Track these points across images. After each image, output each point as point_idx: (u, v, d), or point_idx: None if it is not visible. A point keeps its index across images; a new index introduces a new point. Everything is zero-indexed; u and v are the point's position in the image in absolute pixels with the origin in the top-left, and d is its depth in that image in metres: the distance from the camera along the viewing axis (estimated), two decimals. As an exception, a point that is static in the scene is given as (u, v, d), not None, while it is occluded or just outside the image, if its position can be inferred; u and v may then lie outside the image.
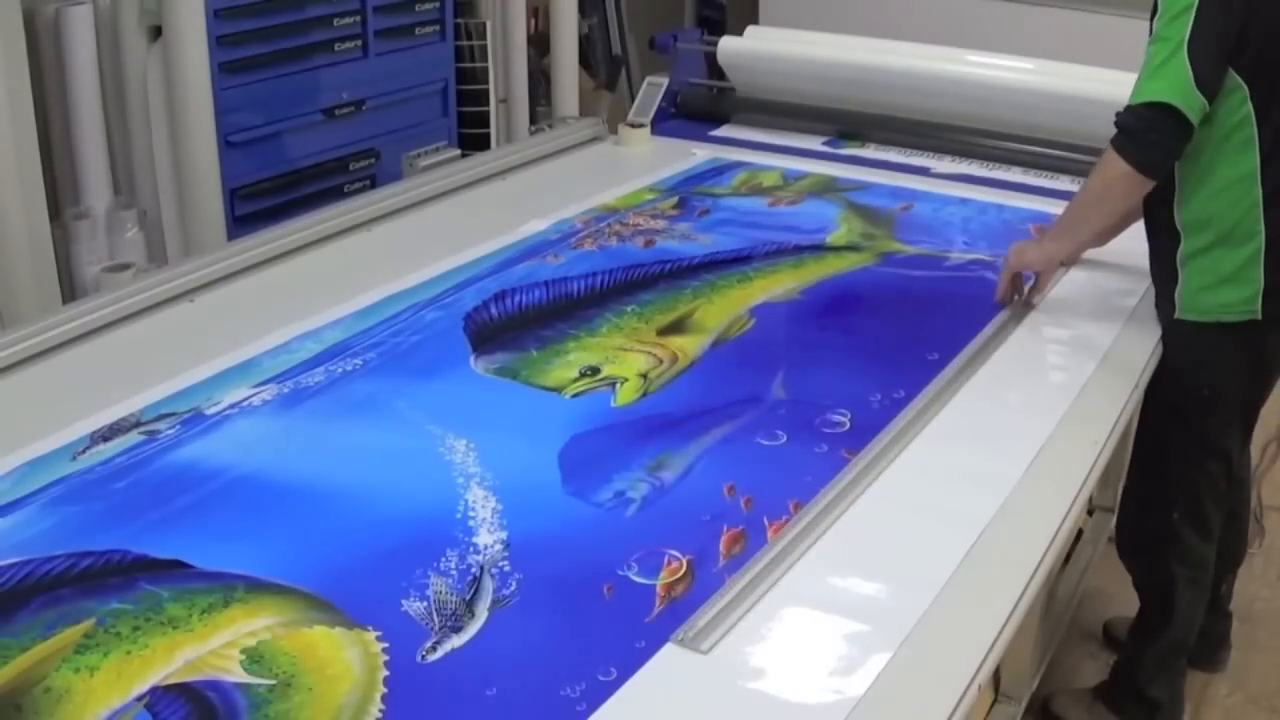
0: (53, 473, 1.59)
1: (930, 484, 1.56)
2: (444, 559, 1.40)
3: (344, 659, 1.25)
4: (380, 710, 1.18)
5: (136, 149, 2.88)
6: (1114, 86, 2.59)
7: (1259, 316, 1.89)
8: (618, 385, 1.81)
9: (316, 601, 1.33)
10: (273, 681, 1.23)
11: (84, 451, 1.64)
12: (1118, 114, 1.83)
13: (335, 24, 3.12)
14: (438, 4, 3.41)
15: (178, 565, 1.40)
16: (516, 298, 2.09)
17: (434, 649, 1.26)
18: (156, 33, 2.76)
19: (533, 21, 4.07)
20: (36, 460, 1.62)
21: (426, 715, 1.18)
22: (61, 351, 1.89)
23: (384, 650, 1.26)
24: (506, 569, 1.38)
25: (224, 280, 2.15)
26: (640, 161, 2.90)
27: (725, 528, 1.44)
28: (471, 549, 1.42)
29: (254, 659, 1.25)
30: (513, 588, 1.36)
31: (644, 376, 1.83)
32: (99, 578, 1.39)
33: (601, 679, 1.21)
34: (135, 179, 2.91)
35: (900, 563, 1.41)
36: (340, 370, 1.85)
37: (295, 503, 1.53)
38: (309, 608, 1.33)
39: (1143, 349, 1.93)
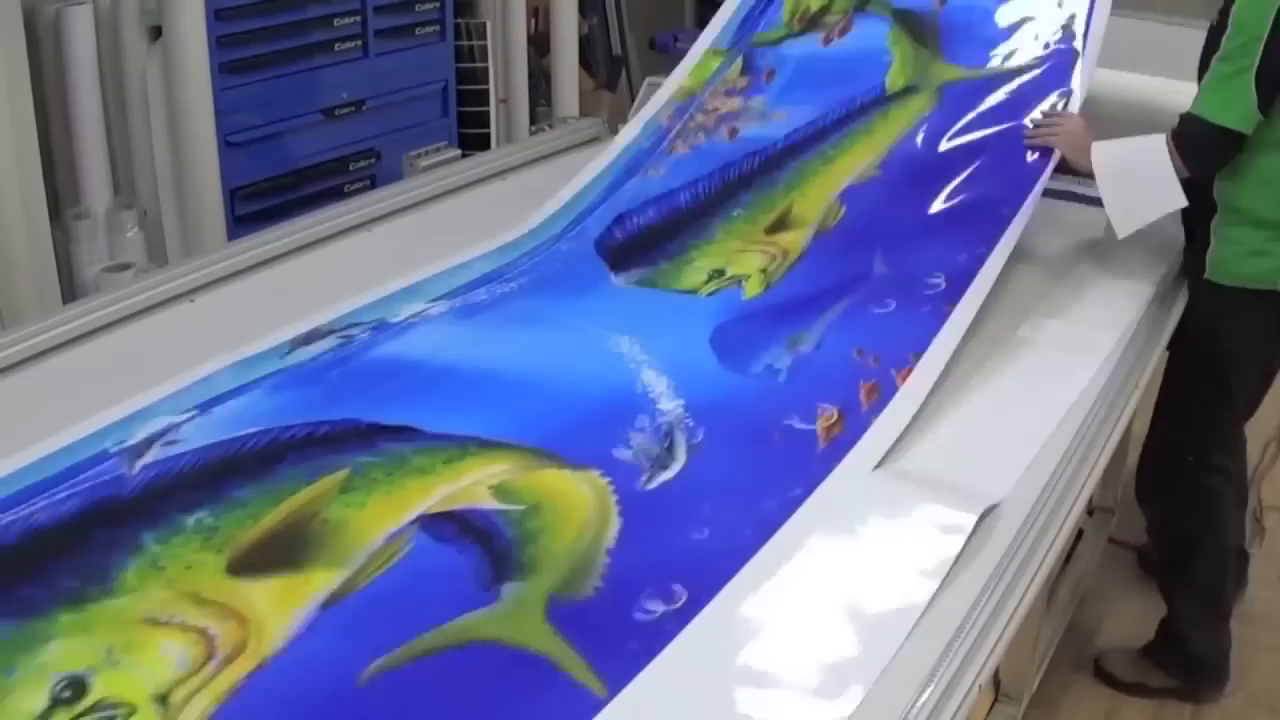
0: (266, 367, 1.78)
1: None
2: (637, 421, 1.65)
3: (578, 490, 1.52)
4: (618, 522, 1.45)
5: (136, 149, 2.89)
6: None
7: (1279, 289, 2.05)
8: (744, 282, 2.03)
9: (541, 453, 1.58)
10: (523, 507, 1.47)
11: (289, 353, 1.82)
12: (1182, 118, 2.01)
13: (335, 24, 3.12)
14: (438, 4, 3.41)
15: (409, 430, 1.61)
16: (634, 219, 2.26)
17: (650, 480, 1.54)
18: (156, 33, 2.77)
19: (533, 21, 4.07)
20: (248, 359, 1.79)
21: (657, 525, 1.45)
22: (61, 352, 1.89)
23: (609, 484, 1.52)
24: (691, 425, 1.65)
25: (224, 280, 2.15)
26: (640, 161, 2.89)
27: (862, 382, 1.71)
28: (659, 413, 1.68)
29: (502, 493, 1.49)
30: (700, 438, 1.62)
31: (764, 271, 2.06)
32: (340, 440, 1.60)
33: (791, 495, 1.48)
34: (135, 179, 2.91)
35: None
36: (499, 292, 2.06)
37: (496, 386, 1.75)
38: (536, 457, 1.57)
39: (1145, 354, 1.94)
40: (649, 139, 2.49)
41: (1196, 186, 2.04)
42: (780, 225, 2.18)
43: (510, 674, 1.26)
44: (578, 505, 1.48)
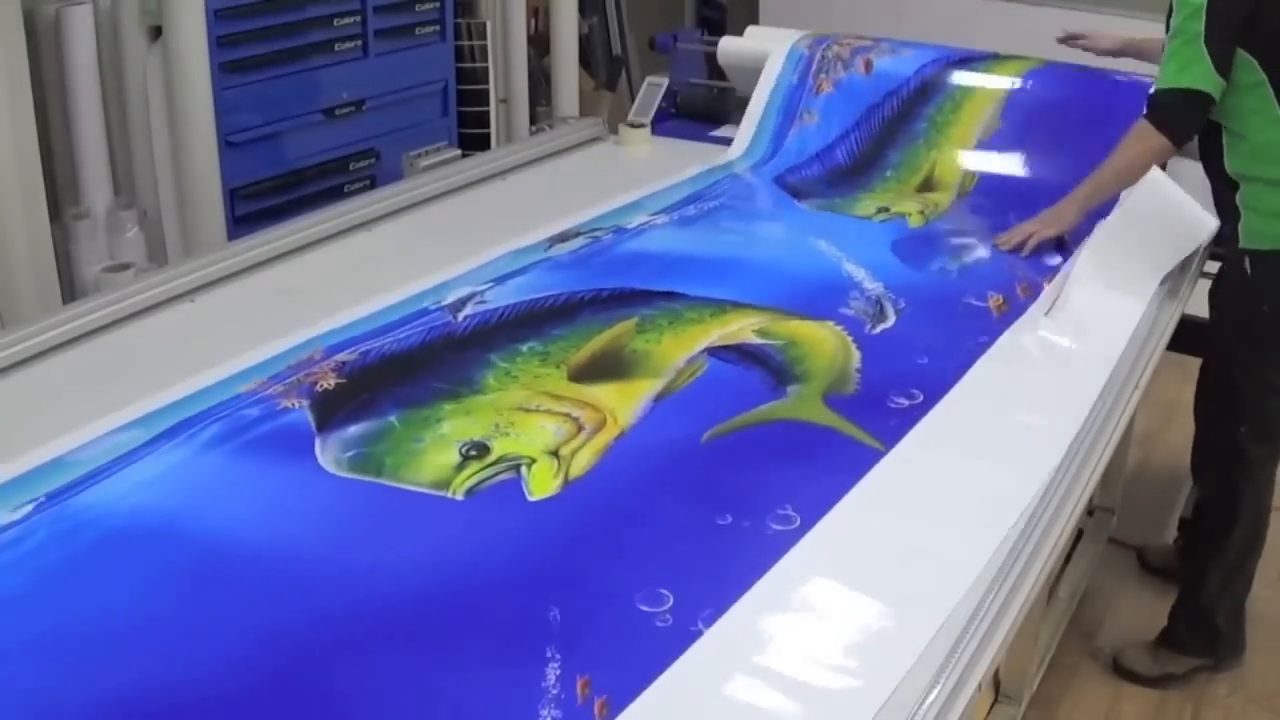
0: (534, 257, 2.19)
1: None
2: (850, 293, 2.09)
3: (821, 333, 1.94)
4: (858, 353, 1.88)
5: (136, 149, 2.88)
6: None
7: None
8: (907, 217, 2.48)
9: (784, 310, 2.00)
10: (783, 342, 1.90)
11: (550, 248, 2.23)
12: (1150, 96, 2.21)
13: (335, 24, 3.12)
14: (438, 4, 3.41)
15: (674, 294, 2.04)
16: (803, 172, 2.71)
17: (873, 328, 1.96)
18: (156, 33, 2.76)
19: (533, 21, 4.07)
20: (518, 250, 2.21)
21: (888, 354, 1.87)
22: (61, 352, 1.89)
23: (844, 329, 1.95)
24: (893, 298, 2.08)
25: (224, 280, 2.15)
26: (641, 161, 2.90)
27: (1017, 283, 2.14)
28: (865, 288, 2.11)
29: (764, 334, 1.92)
30: (902, 305, 2.05)
31: (921, 213, 2.50)
32: (621, 299, 2.01)
33: (979, 341, 1.92)
34: (135, 179, 2.91)
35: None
36: (705, 208, 2.51)
37: (730, 268, 2.18)
38: (781, 313, 1.99)
39: (1141, 359, 1.94)
40: (795, 74, 2.89)
41: (1219, 166, 2.22)
42: (927, 187, 2.63)
43: (810, 439, 1.66)
44: (825, 341, 1.92)
